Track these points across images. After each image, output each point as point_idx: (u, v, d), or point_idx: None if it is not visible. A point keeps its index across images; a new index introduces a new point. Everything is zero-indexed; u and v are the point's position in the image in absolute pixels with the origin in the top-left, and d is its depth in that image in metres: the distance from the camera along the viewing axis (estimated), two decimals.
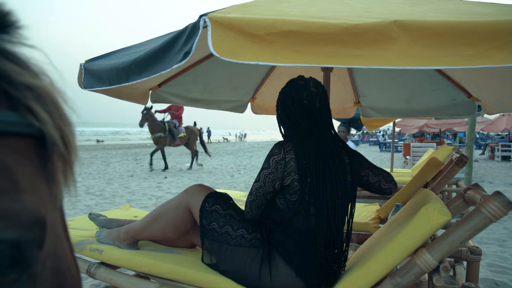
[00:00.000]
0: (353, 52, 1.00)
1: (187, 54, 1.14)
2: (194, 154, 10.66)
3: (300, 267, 1.40)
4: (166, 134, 9.87)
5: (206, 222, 1.56)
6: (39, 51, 0.40)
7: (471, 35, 1.00)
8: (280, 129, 1.59)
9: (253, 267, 1.45)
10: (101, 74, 1.61)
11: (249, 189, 1.55)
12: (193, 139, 10.60)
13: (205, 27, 1.06)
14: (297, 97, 1.50)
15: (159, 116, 10.39)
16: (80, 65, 1.80)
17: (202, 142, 10.93)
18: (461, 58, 1.00)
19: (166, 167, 9.98)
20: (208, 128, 32.64)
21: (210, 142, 31.31)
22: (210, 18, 1.04)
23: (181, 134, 10.24)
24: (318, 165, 1.40)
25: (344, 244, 1.52)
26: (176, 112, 10.38)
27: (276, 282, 1.41)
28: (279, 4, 1.33)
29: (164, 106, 10.77)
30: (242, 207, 1.65)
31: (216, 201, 1.60)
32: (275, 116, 1.64)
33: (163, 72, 1.26)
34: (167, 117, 10.51)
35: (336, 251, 1.46)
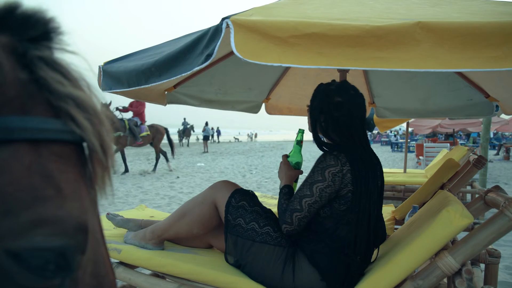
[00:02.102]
0: (376, 54, 1.00)
1: (209, 56, 1.15)
2: (159, 155, 9.84)
3: (328, 271, 1.40)
4: (126, 133, 8.98)
5: (231, 218, 1.57)
6: (79, 57, 0.41)
7: (496, 36, 0.98)
8: (317, 138, 1.55)
9: (276, 266, 1.45)
10: (120, 76, 1.62)
11: (285, 205, 1.46)
12: (158, 138, 9.79)
13: (227, 28, 1.07)
14: (354, 108, 1.49)
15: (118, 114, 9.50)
16: (99, 67, 1.83)
17: (170, 142, 10.14)
18: (485, 60, 0.99)
19: (126, 170, 9.12)
20: (218, 128, 32.43)
21: (219, 142, 31.16)
22: (233, 20, 1.05)
23: (144, 133, 9.44)
24: (366, 175, 1.40)
25: (377, 250, 1.53)
26: (135, 109, 9.52)
27: (299, 283, 1.41)
28: (299, 6, 1.33)
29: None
30: None
31: (243, 197, 1.61)
32: (309, 122, 1.60)
33: (184, 74, 1.27)
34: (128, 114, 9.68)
35: (366, 257, 1.47)
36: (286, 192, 1.55)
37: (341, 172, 1.37)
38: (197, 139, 23.56)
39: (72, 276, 0.37)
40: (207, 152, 18.17)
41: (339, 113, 1.48)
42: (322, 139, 1.55)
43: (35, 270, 0.34)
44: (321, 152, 1.49)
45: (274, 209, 1.70)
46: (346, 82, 1.56)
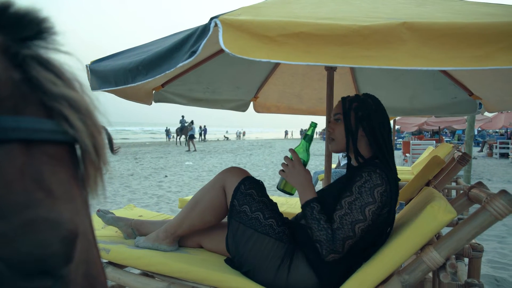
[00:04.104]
0: (363, 53, 1.02)
1: (193, 53, 1.15)
2: None
3: (325, 273, 1.39)
4: None
5: (237, 203, 1.55)
6: (73, 57, 0.41)
7: (478, 36, 1.01)
8: (357, 151, 1.49)
9: (274, 260, 1.44)
10: (108, 75, 1.61)
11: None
12: None
13: (215, 27, 1.08)
14: (387, 120, 1.48)
15: None
16: (86, 66, 1.81)
17: (109, 141, 9.63)
18: (468, 59, 1.02)
19: None
20: (205, 126, 31.71)
21: (205, 141, 30.66)
22: (221, 20, 1.05)
23: None
24: (398, 190, 1.41)
25: None
26: None
27: (292, 281, 1.41)
28: (287, 5, 1.34)
29: None
30: None
31: (252, 185, 1.59)
32: (346, 135, 1.50)
33: (167, 71, 1.27)
34: None
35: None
36: (320, 210, 1.38)
37: (386, 192, 1.33)
38: (184, 138, 23.34)
39: (63, 279, 0.37)
40: (195, 150, 18.06)
41: (381, 127, 1.46)
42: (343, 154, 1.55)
43: (25, 274, 0.33)
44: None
45: None
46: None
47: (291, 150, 1.53)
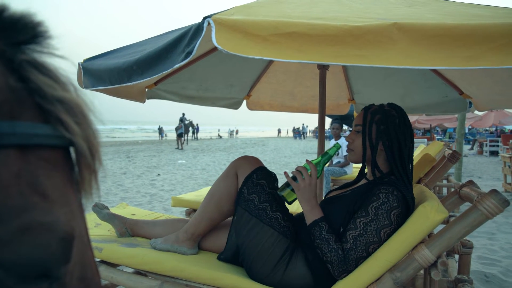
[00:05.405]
0: (355, 52, 1.03)
1: (188, 54, 1.16)
2: None
3: (321, 275, 1.39)
4: None
5: (246, 191, 1.54)
6: (68, 61, 0.41)
7: (468, 37, 1.03)
8: (376, 166, 1.45)
9: (274, 254, 1.44)
10: (102, 74, 1.60)
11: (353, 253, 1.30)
12: None
13: (208, 26, 1.08)
14: (410, 134, 1.44)
15: None
16: (78, 64, 1.80)
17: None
18: (458, 59, 1.03)
19: None
20: (197, 124, 30.98)
21: (197, 139, 30.38)
22: (214, 20, 1.06)
23: None
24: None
25: None
26: None
27: (286, 278, 1.42)
28: (280, 5, 1.34)
29: None
30: None
31: (265, 176, 1.57)
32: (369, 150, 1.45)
33: (164, 72, 1.27)
34: None
35: None
36: (328, 229, 1.36)
37: (402, 214, 1.32)
38: (186, 136, 23.05)
39: (59, 282, 0.37)
40: (178, 147, 18.18)
41: (402, 143, 1.42)
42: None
43: (21, 277, 0.33)
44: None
45: None
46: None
47: (311, 164, 1.46)
